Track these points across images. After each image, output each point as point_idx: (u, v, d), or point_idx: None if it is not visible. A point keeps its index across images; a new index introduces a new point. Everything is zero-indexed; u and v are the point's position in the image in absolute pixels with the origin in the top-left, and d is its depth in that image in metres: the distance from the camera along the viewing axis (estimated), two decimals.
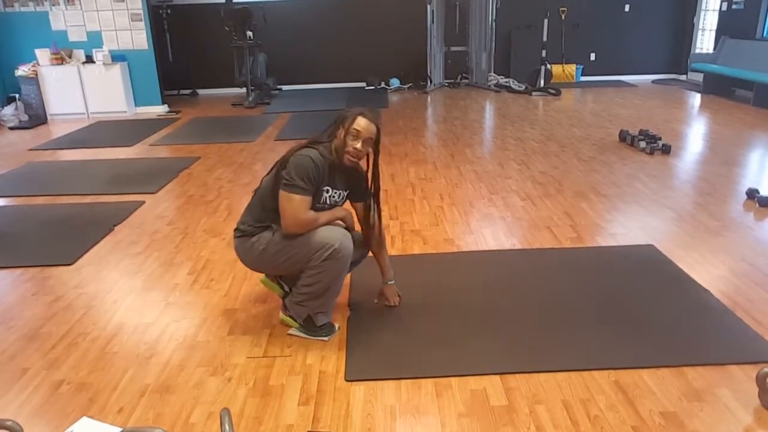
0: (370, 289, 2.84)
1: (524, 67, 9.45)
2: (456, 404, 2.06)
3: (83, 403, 2.13)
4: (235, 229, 2.49)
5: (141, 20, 7.93)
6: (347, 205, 2.58)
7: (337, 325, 2.55)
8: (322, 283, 2.36)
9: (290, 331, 2.54)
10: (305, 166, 2.28)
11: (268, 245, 2.38)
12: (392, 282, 2.74)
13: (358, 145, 2.34)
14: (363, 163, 2.51)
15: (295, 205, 2.28)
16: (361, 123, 2.34)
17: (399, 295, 2.76)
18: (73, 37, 7.95)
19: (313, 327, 2.48)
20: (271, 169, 2.45)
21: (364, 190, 2.57)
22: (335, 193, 2.45)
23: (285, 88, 9.77)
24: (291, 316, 2.54)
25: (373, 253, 2.66)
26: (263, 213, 2.41)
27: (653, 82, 9.57)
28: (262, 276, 2.72)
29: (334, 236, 2.31)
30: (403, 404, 2.08)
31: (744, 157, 5.06)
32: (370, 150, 2.43)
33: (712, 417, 1.96)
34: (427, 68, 9.35)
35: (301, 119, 7.33)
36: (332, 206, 2.45)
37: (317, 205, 2.38)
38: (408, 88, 9.56)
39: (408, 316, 2.64)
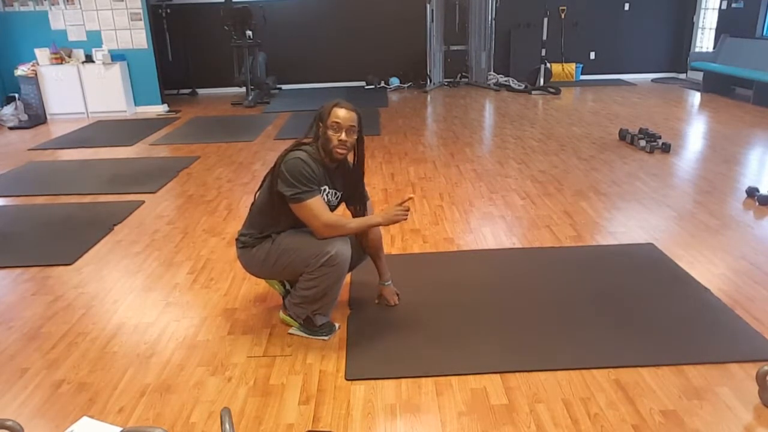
0: (370, 289, 2.84)
1: (524, 66, 9.44)
2: (456, 403, 2.07)
3: (83, 402, 2.13)
4: (237, 240, 2.50)
5: (140, 20, 7.93)
6: (342, 208, 2.58)
7: (337, 325, 2.56)
8: (320, 288, 2.35)
9: (290, 331, 2.54)
10: (297, 167, 2.27)
11: (269, 254, 2.38)
12: (389, 283, 2.74)
13: (343, 136, 2.31)
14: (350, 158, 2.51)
15: (311, 210, 2.27)
16: (339, 113, 2.31)
17: (398, 294, 2.76)
18: (72, 37, 7.95)
19: (313, 327, 2.48)
20: (263, 182, 2.45)
21: (360, 194, 2.57)
22: (331, 192, 2.45)
23: (284, 87, 9.77)
24: (290, 316, 2.54)
25: (369, 254, 2.66)
26: (262, 225, 2.42)
27: (653, 80, 9.56)
28: None
29: (332, 242, 2.30)
30: (404, 403, 2.08)
31: (744, 156, 5.06)
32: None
33: (713, 415, 1.96)
34: (427, 67, 9.34)
35: (301, 118, 7.33)
36: (329, 206, 2.45)
37: None
38: (408, 87, 9.56)
39: (408, 315, 2.64)
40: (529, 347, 2.36)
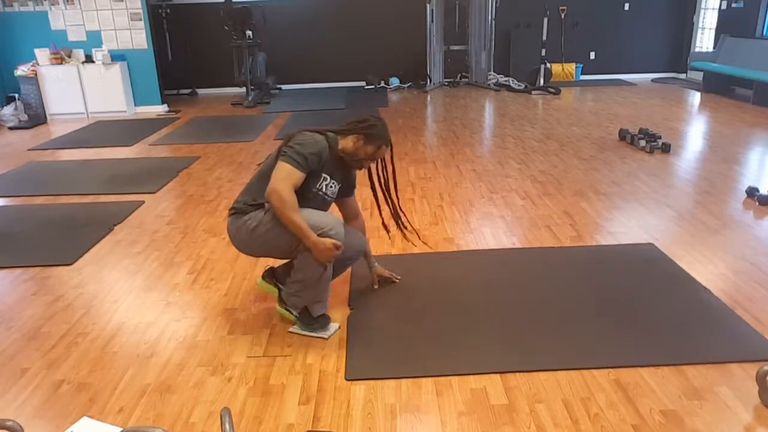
0: (370, 289, 2.84)
1: (524, 66, 9.45)
2: (456, 403, 2.06)
3: (83, 403, 2.13)
4: (230, 208, 2.51)
5: (140, 20, 7.93)
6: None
7: (337, 324, 2.56)
8: (314, 270, 2.36)
9: (290, 329, 2.54)
10: (307, 144, 2.35)
11: (259, 224, 2.38)
12: (376, 264, 2.88)
13: (370, 164, 2.55)
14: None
15: (285, 173, 2.30)
16: (384, 152, 2.51)
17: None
18: (72, 37, 7.95)
19: (310, 319, 2.48)
20: (271, 154, 2.50)
21: (352, 186, 2.69)
22: (332, 183, 2.49)
23: (284, 87, 9.77)
24: (287, 309, 2.54)
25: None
26: (259, 191, 2.41)
27: (653, 80, 9.56)
28: (258, 279, 2.73)
29: (326, 221, 2.32)
30: (404, 403, 2.08)
31: (744, 156, 5.06)
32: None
33: (712, 415, 1.96)
34: (427, 67, 9.35)
35: (301, 118, 7.33)
36: (326, 195, 2.49)
37: (312, 190, 2.41)
38: (408, 87, 9.56)
39: (408, 315, 2.64)
40: (529, 347, 2.36)
